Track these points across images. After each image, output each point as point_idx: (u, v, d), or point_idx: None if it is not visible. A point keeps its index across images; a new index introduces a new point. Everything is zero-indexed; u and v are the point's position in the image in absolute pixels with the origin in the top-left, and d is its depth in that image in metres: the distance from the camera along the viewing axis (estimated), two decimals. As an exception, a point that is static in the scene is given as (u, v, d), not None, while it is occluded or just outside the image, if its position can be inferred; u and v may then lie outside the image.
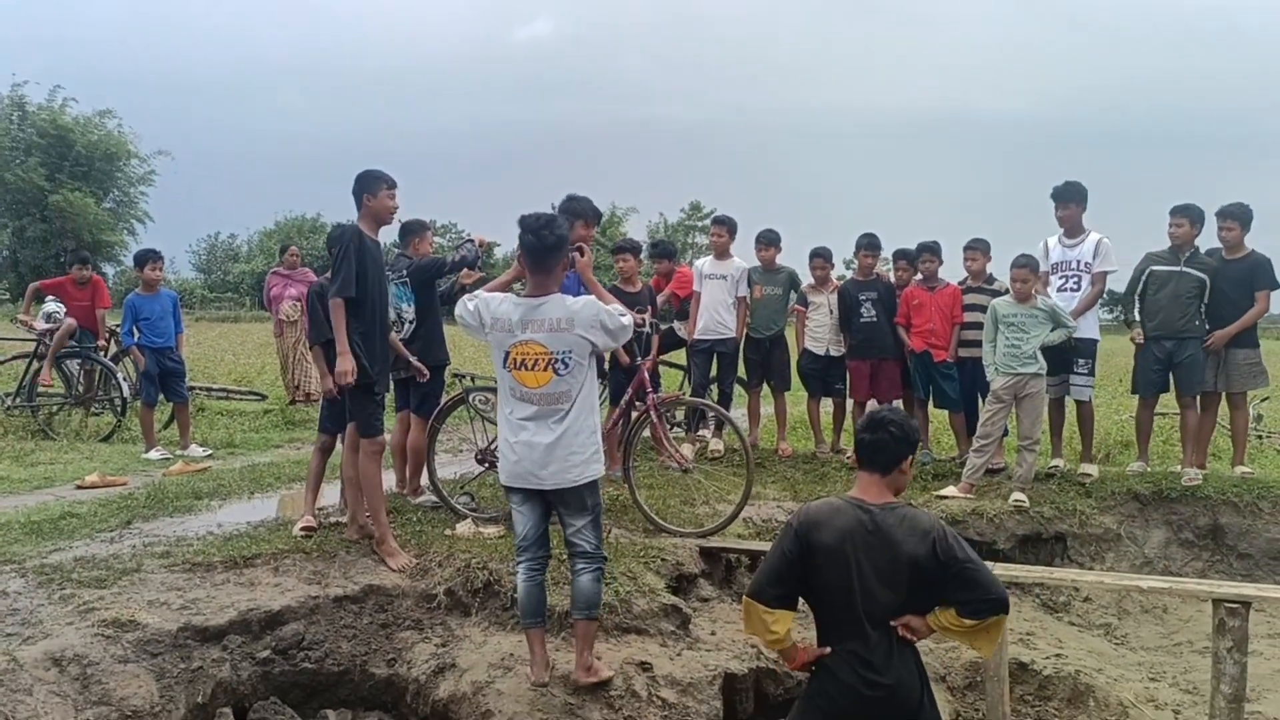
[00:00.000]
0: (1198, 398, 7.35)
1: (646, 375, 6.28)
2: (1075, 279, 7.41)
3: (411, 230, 6.75)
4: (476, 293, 4.32)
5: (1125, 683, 5.57)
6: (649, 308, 7.17)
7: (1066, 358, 7.38)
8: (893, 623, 3.32)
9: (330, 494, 6.62)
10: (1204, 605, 5.07)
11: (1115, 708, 5.29)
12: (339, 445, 5.97)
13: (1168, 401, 7.92)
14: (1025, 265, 7.16)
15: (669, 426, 6.88)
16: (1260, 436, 10.20)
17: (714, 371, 8.65)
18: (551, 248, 4.11)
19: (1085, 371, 7.47)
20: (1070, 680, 5.54)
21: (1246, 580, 6.57)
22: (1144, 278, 7.32)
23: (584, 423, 4.13)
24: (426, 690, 4.48)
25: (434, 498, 6.48)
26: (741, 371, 8.88)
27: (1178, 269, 7.21)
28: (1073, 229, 7.45)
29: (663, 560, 5.44)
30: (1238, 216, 7.20)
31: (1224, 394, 7.46)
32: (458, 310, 4.31)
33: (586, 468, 4.13)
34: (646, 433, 6.54)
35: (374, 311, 5.39)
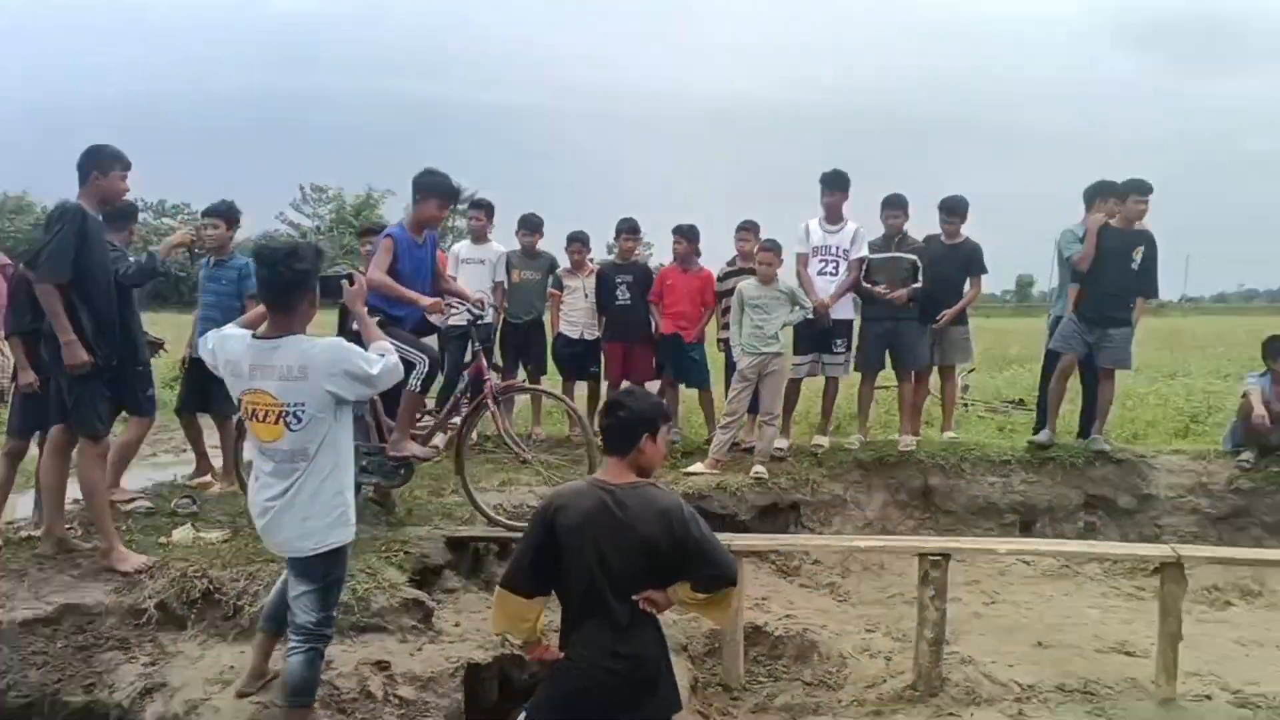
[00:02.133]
0: (914, 372, 7.95)
1: (484, 362, 6.07)
2: (835, 263, 7.84)
3: (126, 216, 6.21)
4: (224, 329, 3.86)
5: (846, 636, 5.96)
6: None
7: (826, 338, 7.81)
8: (634, 597, 3.41)
9: (23, 505, 6.02)
10: (914, 559, 5.48)
11: (836, 659, 5.66)
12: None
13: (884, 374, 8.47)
14: (771, 249, 7.48)
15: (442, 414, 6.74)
16: (967, 405, 11.14)
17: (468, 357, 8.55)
18: (289, 285, 3.61)
19: (842, 349, 7.92)
20: (798, 638, 5.88)
21: (951, 534, 7.19)
22: (863, 266, 7.81)
23: (325, 485, 3.65)
24: (131, 715, 4.10)
25: (148, 503, 6.01)
26: (497, 356, 8.81)
27: (891, 255, 7.76)
28: (834, 215, 7.87)
29: (406, 553, 5.34)
30: (958, 211, 7.89)
31: (936, 366, 8.12)
32: (200, 349, 3.90)
33: (327, 535, 3.67)
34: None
35: (106, 295, 4.97)
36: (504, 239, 8.73)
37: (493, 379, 6.10)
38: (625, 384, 8.38)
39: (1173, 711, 4.92)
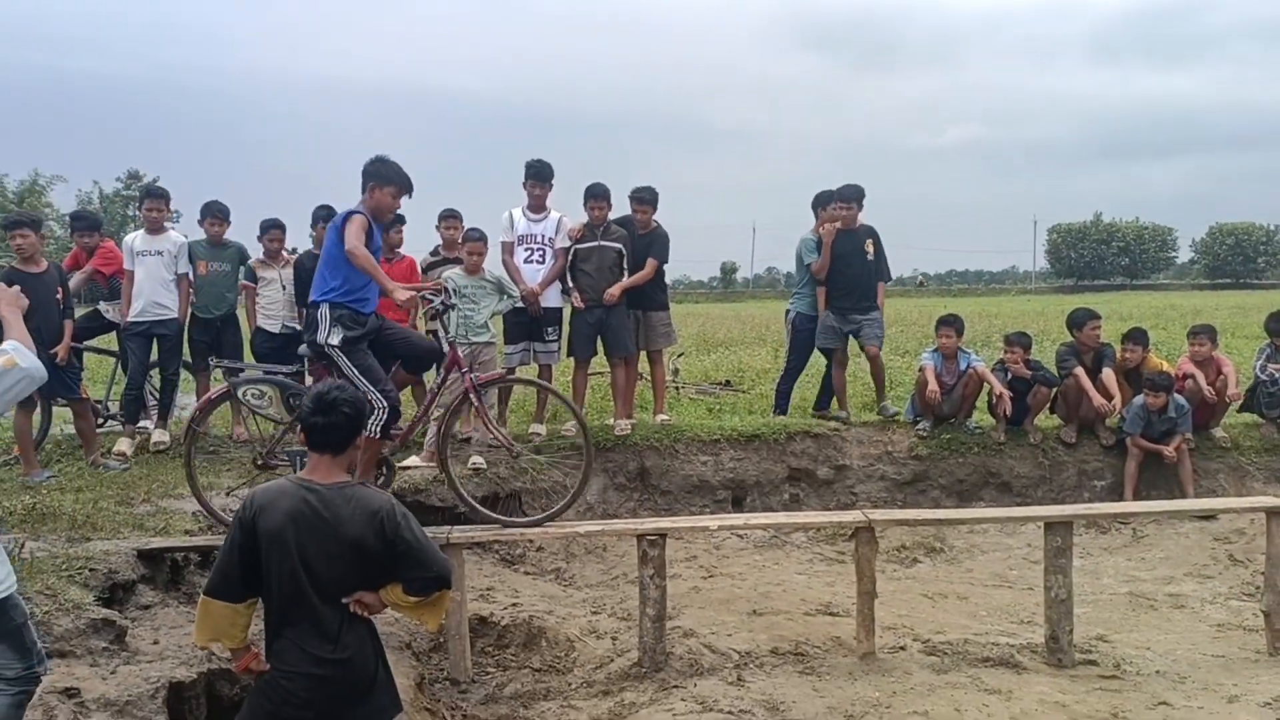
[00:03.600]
0: (623, 357, 8.27)
1: (460, 354, 5.92)
2: (540, 251, 8.01)
3: None
4: None
5: (572, 620, 6.13)
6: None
7: (537, 326, 7.97)
8: (345, 600, 3.35)
9: None
10: (634, 540, 5.71)
11: (564, 643, 5.81)
12: None
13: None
14: (479, 239, 7.53)
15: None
16: (678, 388, 11.73)
17: (154, 356, 8.00)
18: None
19: (553, 338, 8.12)
20: (525, 626, 5.99)
21: (668, 514, 7.58)
22: (568, 255, 8.03)
23: None
24: None
25: None
26: (187, 355, 8.29)
27: (596, 244, 8.02)
28: (538, 205, 8.04)
29: (91, 570, 4.91)
30: (648, 200, 8.25)
31: (644, 352, 8.49)
32: None
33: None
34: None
35: None
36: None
37: (472, 371, 6.02)
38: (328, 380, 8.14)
39: (872, 664, 5.43)
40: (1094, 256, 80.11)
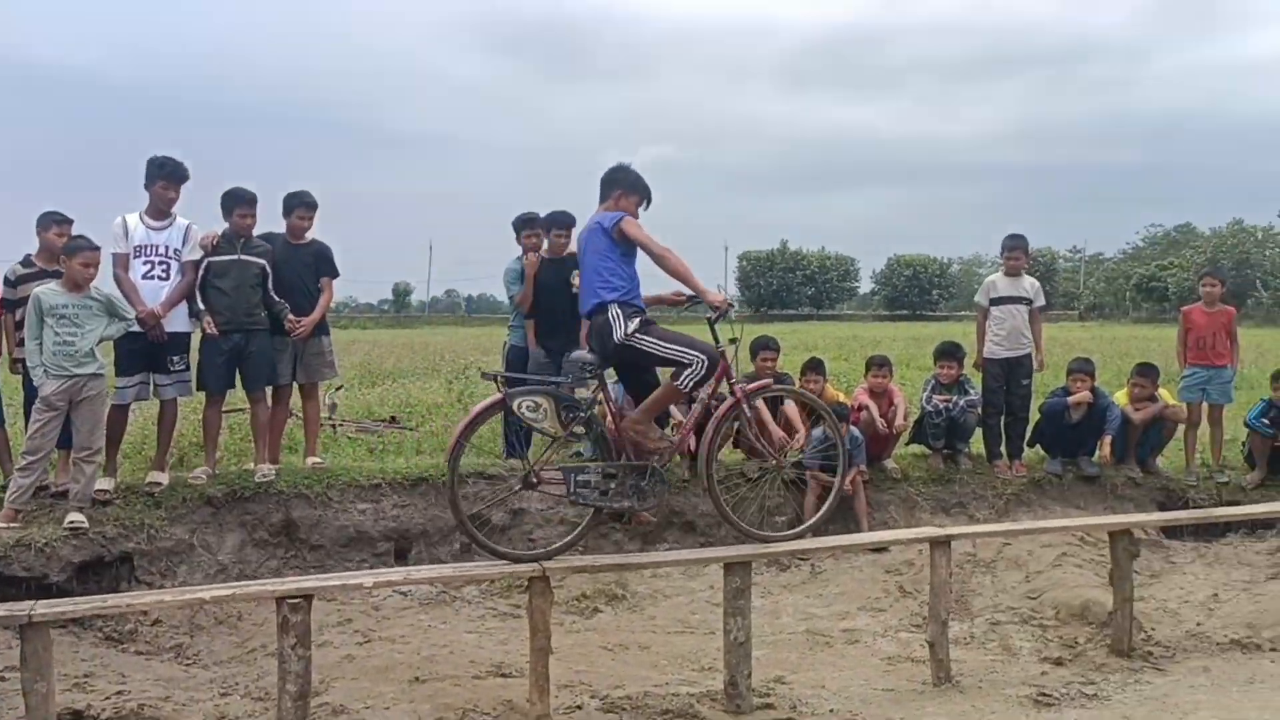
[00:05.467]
0: (269, 390, 7.83)
1: (729, 364, 6.07)
2: (164, 265, 7.41)
3: None
4: None
5: (195, 706, 5.69)
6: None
7: (159, 353, 7.39)
8: None
9: None
10: (274, 604, 5.38)
11: (182, 737, 5.36)
12: None
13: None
14: (93, 249, 6.92)
15: None
16: (335, 426, 11.33)
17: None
18: None
19: (181, 368, 7.55)
20: (133, 718, 5.45)
21: (318, 571, 7.22)
22: (203, 269, 7.51)
23: None
24: None
25: None
26: None
27: (236, 258, 7.57)
28: (162, 210, 7.45)
29: None
30: (313, 204, 8.04)
31: (297, 385, 8.09)
32: None
33: None
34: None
35: None
36: None
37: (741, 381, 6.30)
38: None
39: (546, 727, 5.43)
40: (781, 285, 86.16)
